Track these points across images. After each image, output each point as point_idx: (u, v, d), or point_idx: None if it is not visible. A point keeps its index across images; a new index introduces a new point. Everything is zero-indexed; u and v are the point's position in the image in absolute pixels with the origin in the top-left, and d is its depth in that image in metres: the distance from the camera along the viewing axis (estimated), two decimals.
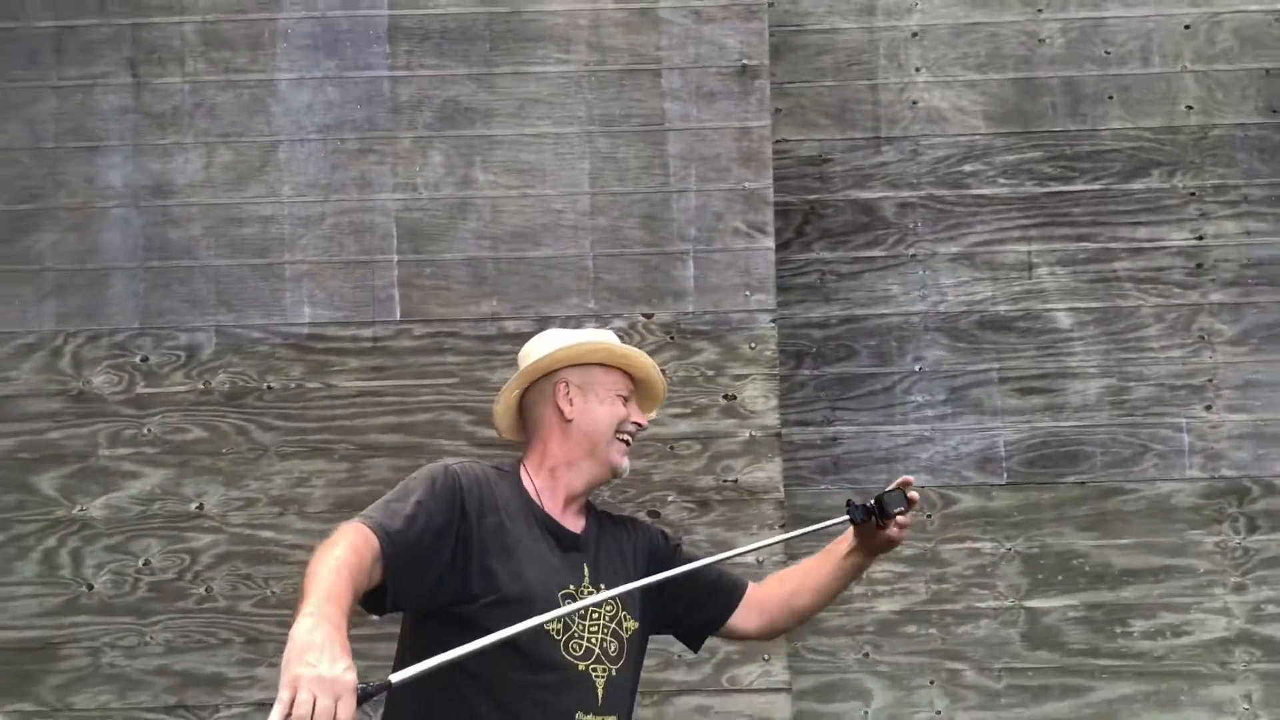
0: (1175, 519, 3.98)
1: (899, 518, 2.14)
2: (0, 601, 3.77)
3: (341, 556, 1.70)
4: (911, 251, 4.08)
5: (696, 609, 2.24)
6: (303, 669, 1.49)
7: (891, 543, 2.23)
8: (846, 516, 2.16)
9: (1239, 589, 3.95)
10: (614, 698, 2.01)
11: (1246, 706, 3.91)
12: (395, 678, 1.64)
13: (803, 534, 2.32)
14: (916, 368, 4.06)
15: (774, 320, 3.84)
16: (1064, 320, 4.05)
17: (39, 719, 3.73)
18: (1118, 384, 4.03)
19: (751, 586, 2.34)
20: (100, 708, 3.74)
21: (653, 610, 2.19)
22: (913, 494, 2.19)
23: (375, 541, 1.78)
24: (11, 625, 3.76)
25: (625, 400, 2.18)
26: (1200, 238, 4.07)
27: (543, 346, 2.17)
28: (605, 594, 1.95)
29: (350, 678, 1.51)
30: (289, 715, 1.47)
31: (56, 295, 3.85)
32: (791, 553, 3.52)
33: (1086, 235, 4.06)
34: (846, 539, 2.29)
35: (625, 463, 2.16)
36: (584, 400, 2.12)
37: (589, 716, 1.97)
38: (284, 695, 1.48)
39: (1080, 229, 4.06)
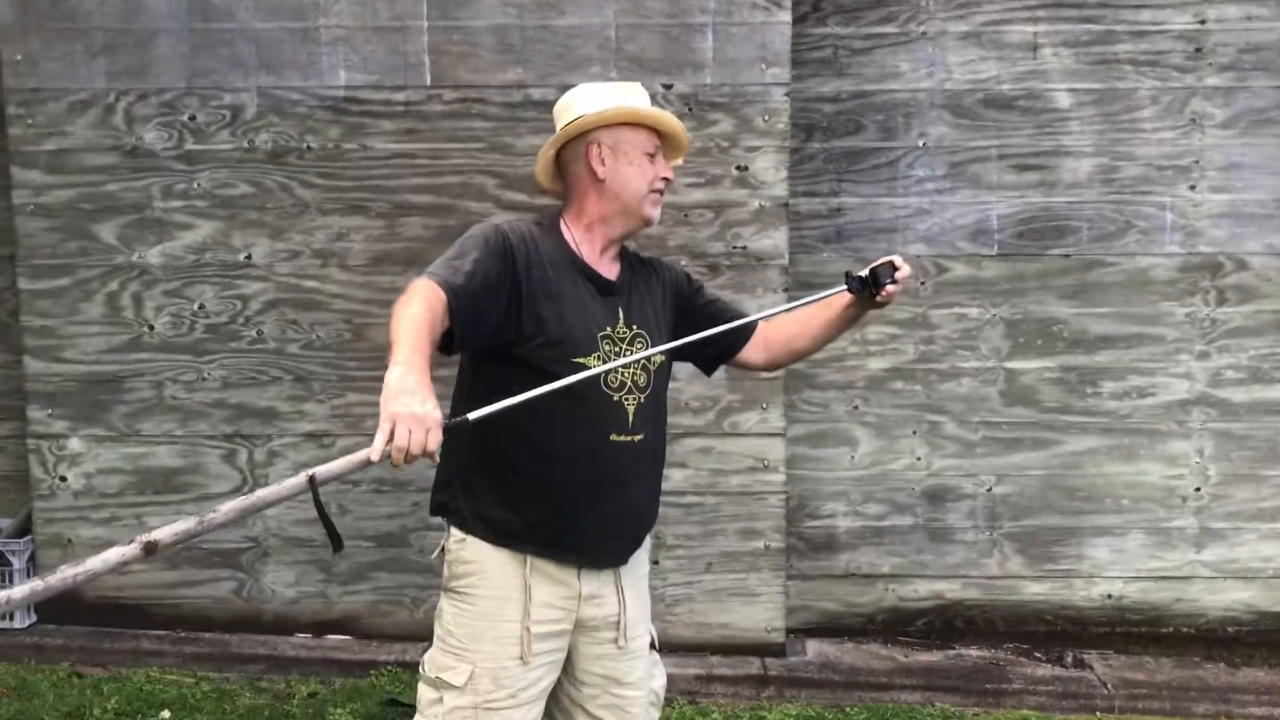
0: (1151, 291, 4.27)
1: (889, 286, 2.38)
2: (70, 339, 4.13)
3: (419, 312, 1.97)
4: (922, 29, 4.22)
5: (712, 343, 2.46)
6: (399, 407, 1.77)
7: (881, 307, 2.48)
8: (844, 286, 2.42)
9: (1203, 356, 4.28)
10: (642, 419, 2.30)
11: (1198, 460, 4.31)
12: (473, 415, 1.94)
13: (805, 303, 2.54)
14: (920, 143, 4.26)
15: (788, 94, 4.02)
16: (1063, 100, 4.23)
17: (111, 442, 4.16)
18: (1109, 163, 4.24)
19: (760, 326, 2.59)
20: (165, 434, 4.16)
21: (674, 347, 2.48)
22: (903, 270, 2.36)
23: (443, 296, 2.04)
24: (82, 360, 4.14)
25: (652, 156, 2.32)
26: (1202, 22, 4.19)
27: (574, 107, 2.32)
28: (658, 349, 2.24)
29: (437, 414, 1.81)
30: (389, 444, 1.77)
31: (106, 54, 4.04)
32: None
33: (1091, 17, 4.19)
34: (844, 298, 2.53)
35: (657, 213, 2.37)
36: (615, 161, 2.28)
37: (621, 435, 2.25)
38: (384, 428, 1.78)
39: (1086, 10, 4.18)
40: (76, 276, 4.12)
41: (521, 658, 2.20)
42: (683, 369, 2.76)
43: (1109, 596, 4.34)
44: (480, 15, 3.99)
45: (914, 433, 4.33)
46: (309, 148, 4.06)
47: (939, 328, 4.29)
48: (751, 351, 2.56)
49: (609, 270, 2.34)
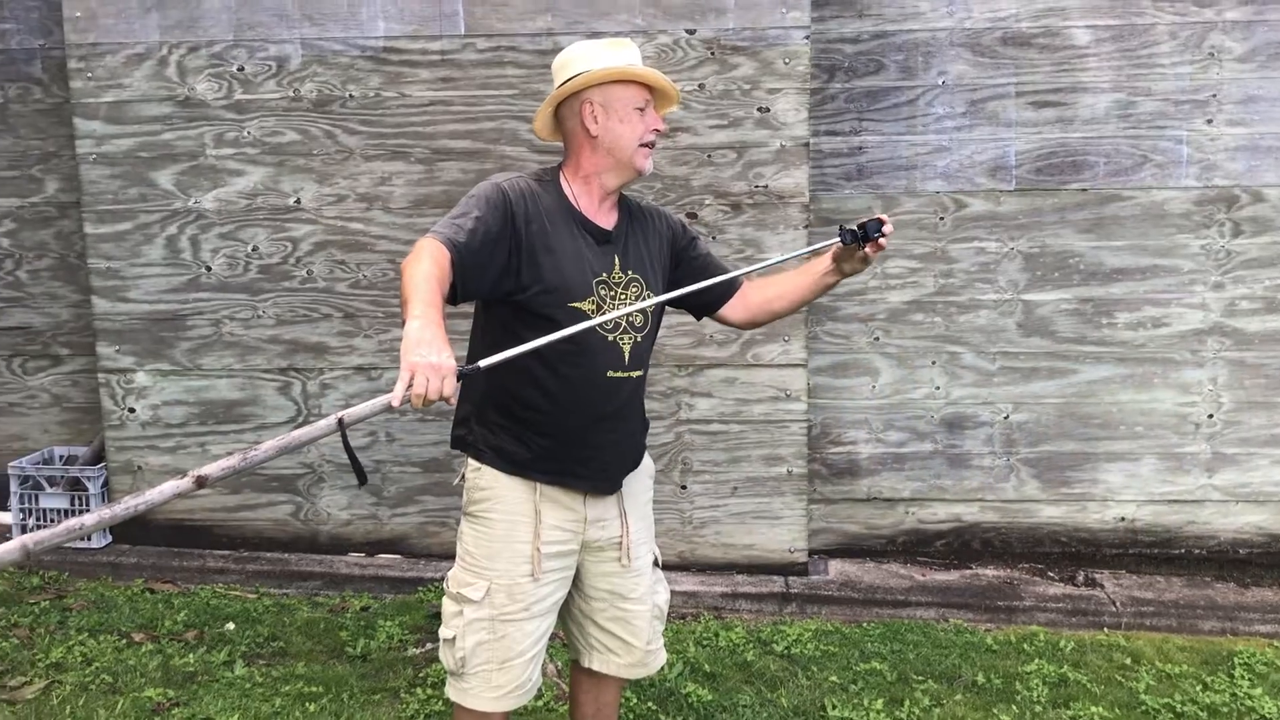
0: (1167, 224, 4.37)
1: (878, 239, 2.54)
2: (134, 280, 4.41)
3: (428, 268, 2.16)
4: None
5: (699, 294, 2.63)
6: (416, 358, 1.95)
7: (865, 262, 2.61)
8: (839, 239, 2.58)
9: (1218, 287, 4.38)
10: (637, 358, 2.51)
11: (1211, 388, 4.43)
12: (484, 363, 2.14)
13: (801, 254, 2.70)
14: (940, 81, 4.37)
15: (808, 37, 4.14)
16: (1082, 37, 4.30)
17: (175, 376, 4.45)
18: (1126, 98, 4.32)
19: (744, 285, 2.76)
20: (224, 369, 4.44)
21: (670, 289, 2.66)
22: (888, 226, 2.50)
23: (448, 253, 2.23)
24: (145, 299, 4.41)
25: (642, 111, 2.47)
26: None
27: (569, 65, 2.47)
28: (642, 304, 2.40)
29: (452, 363, 2.00)
30: (409, 390, 1.96)
31: (158, 9, 4.26)
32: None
33: None
34: (824, 260, 2.66)
35: (649, 165, 2.53)
36: (607, 118, 2.44)
37: (618, 373, 2.45)
38: (404, 376, 1.97)
39: None
40: (138, 221, 4.38)
41: (533, 575, 2.43)
42: None
43: (1122, 519, 4.51)
44: None
45: (933, 363, 4.49)
46: (351, 96, 4.26)
47: (958, 261, 4.43)
48: (732, 307, 2.73)
49: (606, 220, 2.51)
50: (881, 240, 2.49)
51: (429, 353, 1.98)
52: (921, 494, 4.55)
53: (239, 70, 4.27)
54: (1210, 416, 4.44)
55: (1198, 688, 3.59)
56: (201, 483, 1.93)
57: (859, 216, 2.55)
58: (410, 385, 1.96)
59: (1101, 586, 4.35)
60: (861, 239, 2.49)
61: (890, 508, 4.57)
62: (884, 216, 2.50)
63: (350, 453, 2.08)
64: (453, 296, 2.26)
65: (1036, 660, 3.77)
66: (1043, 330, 4.44)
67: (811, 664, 3.74)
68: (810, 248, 2.64)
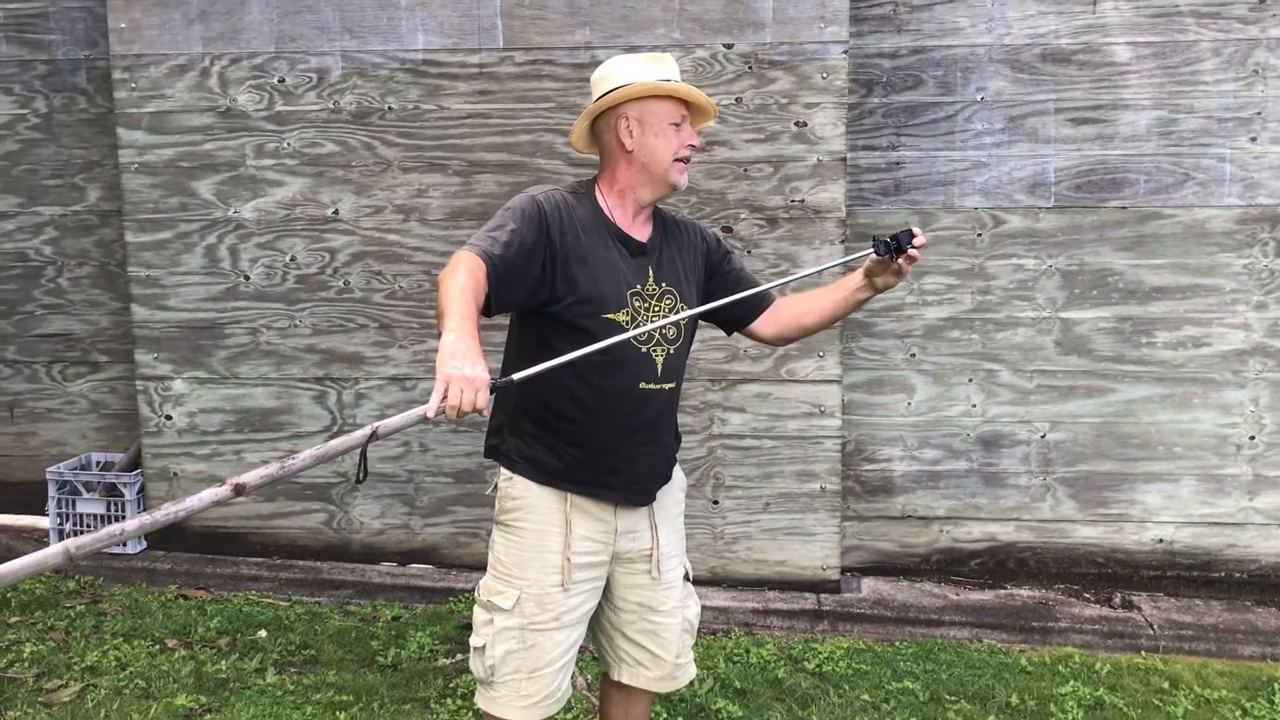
0: (1208, 242, 4.32)
1: (910, 251, 2.53)
2: (173, 288, 4.45)
3: (464, 281, 2.18)
4: None
5: (730, 309, 2.64)
6: (451, 370, 1.98)
7: (899, 275, 2.61)
8: (872, 250, 2.57)
9: (1260, 306, 4.32)
10: (670, 370, 2.51)
11: (1253, 409, 4.37)
12: (518, 376, 2.16)
13: (834, 265, 2.70)
14: (979, 97, 4.34)
15: (846, 51, 4.13)
16: (1122, 54, 4.27)
17: (212, 384, 4.49)
18: (1168, 115, 4.28)
19: (775, 302, 2.76)
20: (260, 377, 4.47)
21: (702, 302, 2.66)
22: (919, 238, 2.49)
23: (483, 265, 2.25)
24: (184, 308, 4.46)
25: (678, 126, 2.48)
26: None
27: (607, 79, 2.49)
28: (676, 317, 2.42)
29: (485, 375, 2.02)
30: (444, 402, 1.98)
31: (201, 21, 4.31)
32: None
33: None
34: (856, 279, 2.64)
35: (684, 180, 2.54)
36: (642, 133, 2.45)
37: (650, 385, 2.46)
38: (439, 388, 1.99)
39: None
40: (178, 230, 4.43)
41: (563, 585, 2.43)
42: None
43: (1160, 541, 4.45)
44: None
45: (970, 380, 4.45)
46: (390, 108, 4.29)
47: (995, 278, 4.40)
48: (763, 323, 2.73)
49: (640, 232, 2.52)
50: (913, 251, 2.48)
51: (463, 365, 2.00)
52: (956, 512, 4.51)
53: (280, 82, 4.31)
54: (1252, 438, 4.38)
55: (1237, 713, 3.54)
56: (240, 490, 1.95)
57: (894, 230, 2.53)
58: (444, 397, 1.98)
59: (1139, 609, 4.29)
60: (895, 250, 2.48)
61: (925, 526, 4.53)
62: (916, 229, 2.49)
63: (363, 454, 2.10)
64: (488, 308, 2.28)
65: (1071, 682, 3.72)
66: (1081, 349, 4.40)
67: (843, 682, 3.71)
68: (843, 259, 2.62)
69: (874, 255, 2.51)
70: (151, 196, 4.41)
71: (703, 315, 2.58)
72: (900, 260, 2.49)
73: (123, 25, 4.33)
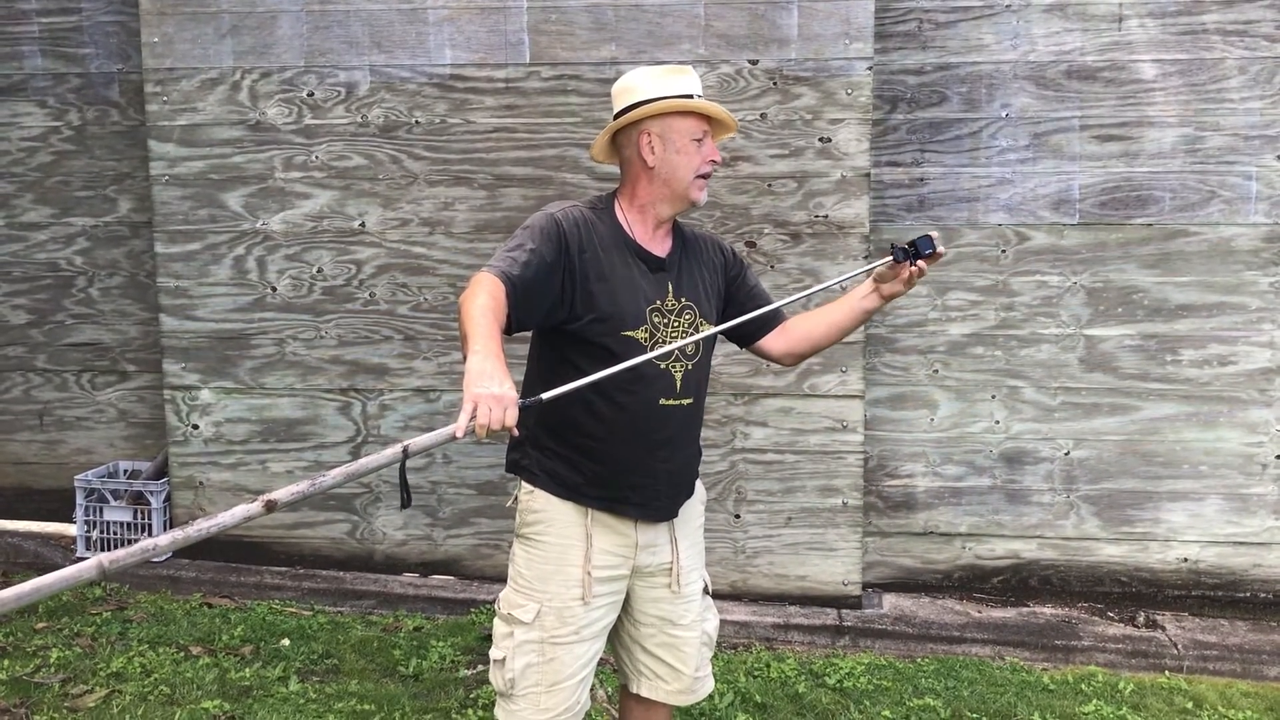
0: (1234, 260, 4.30)
1: (920, 262, 2.52)
2: (201, 299, 4.50)
3: (486, 302, 2.19)
4: (1007, 2, 4.29)
5: (743, 323, 2.62)
6: (480, 389, 2.00)
7: (908, 283, 2.60)
8: (891, 256, 2.57)
9: None
10: (689, 385, 2.52)
11: (1279, 428, 4.34)
12: (546, 395, 2.18)
13: (855, 275, 2.69)
14: (1003, 114, 4.35)
15: (870, 68, 4.15)
16: (1148, 71, 4.26)
17: (239, 394, 4.53)
18: (1194, 133, 4.27)
19: (788, 319, 2.75)
20: (286, 388, 4.51)
21: (720, 317, 2.67)
22: (940, 249, 2.50)
23: (503, 285, 2.26)
24: (211, 319, 4.50)
25: (700, 142, 2.48)
26: None
27: (629, 93, 2.49)
28: (689, 339, 2.42)
29: (513, 393, 2.04)
30: (472, 421, 2.00)
31: (232, 35, 4.37)
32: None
33: None
34: (864, 288, 2.64)
35: (703, 196, 2.55)
36: (664, 149, 2.45)
37: (670, 400, 2.47)
38: (467, 408, 2.01)
39: None
40: (207, 241, 4.48)
41: (583, 598, 2.44)
42: None
43: (1185, 560, 4.42)
44: None
45: (993, 397, 4.44)
46: (417, 122, 4.33)
47: (1019, 295, 4.39)
48: (772, 340, 2.72)
49: (660, 247, 2.53)
50: (921, 263, 2.48)
51: (491, 384, 2.02)
52: (979, 529, 4.50)
53: (309, 96, 4.36)
54: (1277, 457, 4.35)
55: None
56: (271, 507, 1.97)
57: (914, 237, 2.54)
58: (473, 416, 2.00)
59: (1163, 628, 4.26)
60: (914, 256, 2.48)
61: (947, 542, 4.52)
62: (935, 234, 2.49)
63: (403, 477, 2.12)
64: (509, 328, 2.29)
65: (1095, 701, 3.70)
66: (1105, 366, 4.39)
67: (864, 698, 3.70)
68: (863, 268, 2.62)
69: (893, 260, 2.51)
70: (181, 208, 4.46)
71: (728, 331, 2.59)
72: (920, 263, 2.49)
73: (155, 39, 4.40)
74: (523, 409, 2.08)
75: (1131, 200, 4.32)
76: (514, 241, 2.38)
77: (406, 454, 2.06)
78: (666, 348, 2.36)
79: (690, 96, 2.47)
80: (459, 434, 2.01)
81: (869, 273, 2.61)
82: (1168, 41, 4.25)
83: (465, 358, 2.09)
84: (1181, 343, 4.35)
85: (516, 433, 2.12)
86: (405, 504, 2.15)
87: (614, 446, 2.44)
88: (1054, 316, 4.39)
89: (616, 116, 2.51)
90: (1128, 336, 4.37)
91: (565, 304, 2.39)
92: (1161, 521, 4.41)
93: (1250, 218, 4.28)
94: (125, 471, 4.82)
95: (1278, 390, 4.33)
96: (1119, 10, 4.24)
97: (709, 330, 2.51)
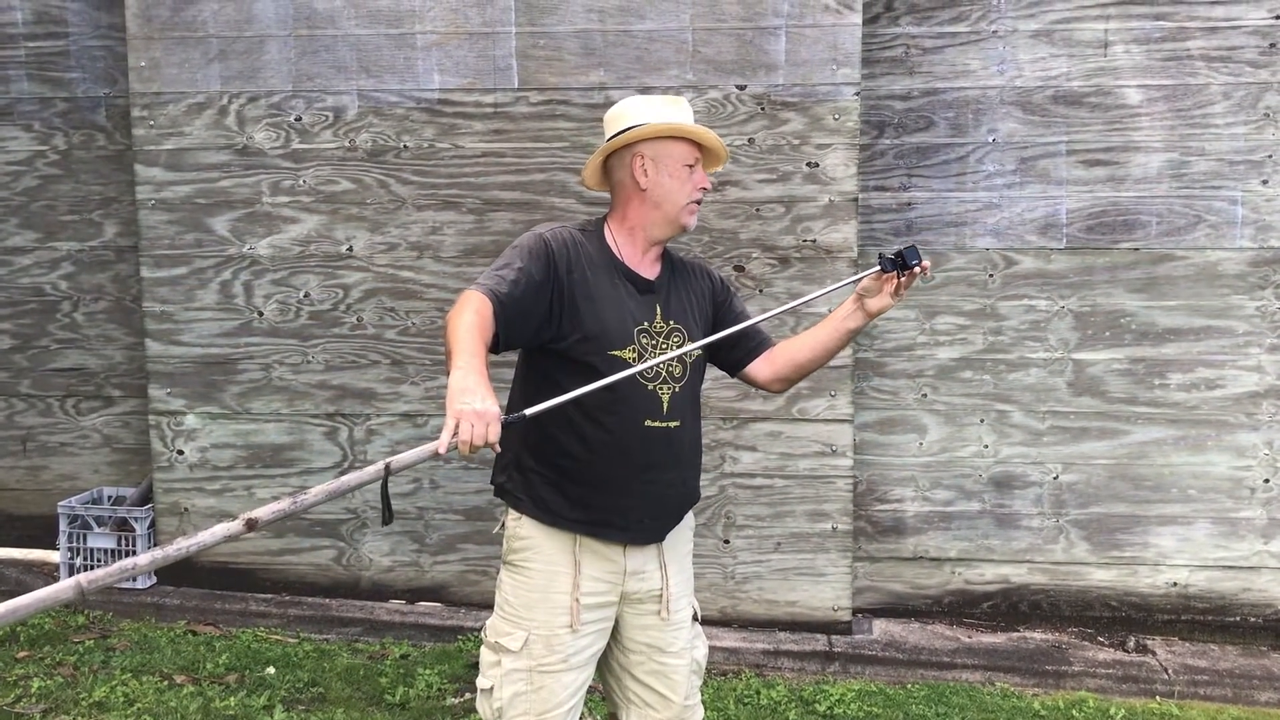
0: (1221, 284, 4.32)
1: (915, 268, 2.52)
2: (187, 324, 4.47)
3: (470, 319, 2.20)
4: (994, 28, 4.32)
5: (729, 349, 2.67)
6: (462, 405, 2.00)
7: (893, 296, 2.57)
8: (878, 266, 2.56)
9: (1273, 349, 4.31)
10: (676, 408, 2.50)
11: (1266, 452, 4.34)
12: (530, 411, 2.17)
13: (842, 286, 2.65)
14: (990, 139, 4.36)
15: (857, 93, 4.16)
16: (1134, 96, 4.29)
17: (224, 419, 4.50)
18: (1179, 158, 4.29)
19: (774, 346, 2.73)
20: (272, 413, 4.48)
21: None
22: (926, 263, 2.50)
23: (490, 303, 2.27)
24: (197, 343, 4.48)
25: (692, 168, 2.50)
26: (1277, 17, 4.21)
27: (622, 118, 2.51)
28: (680, 350, 2.42)
29: (496, 409, 2.04)
30: (455, 437, 2.00)
31: (220, 60, 4.36)
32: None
33: (1164, 14, 4.24)
34: (847, 308, 2.62)
35: (693, 221, 2.56)
36: (657, 173, 2.47)
37: (656, 422, 2.45)
38: (450, 424, 2.01)
39: (1158, 8, 4.24)
40: (193, 266, 4.45)
41: (571, 626, 2.41)
42: None
43: (1174, 584, 4.41)
44: (565, 21, 4.20)
45: (982, 421, 4.44)
46: (405, 147, 4.32)
47: (1007, 319, 4.40)
48: (759, 366, 2.71)
49: (649, 270, 2.54)
50: (917, 268, 2.47)
51: (473, 400, 2.01)
52: (969, 554, 4.48)
53: (296, 120, 4.35)
54: (1266, 481, 4.35)
55: None
56: (252, 525, 1.95)
57: (898, 247, 2.53)
58: (456, 432, 1.98)
59: (1153, 653, 4.25)
60: (901, 266, 2.47)
61: (936, 567, 4.51)
62: (918, 247, 2.49)
63: (385, 494, 2.11)
64: (495, 346, 2.29)
65: None
66: (1093, 390, 4.39)
67: None
68: (849, 279, 2.61)
69: (880, 271, 2.50)
70: (168, 233, 4.44)
71: (702, 350, 2.58)
72: (901, 278, 2.48)
73: (142, 64, 4.39)
74: (506, 425, 2.07)
75: (1118, 225, 4.33)
76: (502, 260, 2.38)
77: (389, 471, 2.05)
78: (649, 362, 2.35)
79: (685, 124, 2.49)
80: (441, 450, 2.01)
81: (855, 284, 2.60)
82: (1153, 67, 4.27)
83: (449, 374, 2.08)
84: (1169, 367, 4.36)
85: (499, 449, 2.10)
86: (387, 521, 2.14)
87: (598, 468, 2.43)
88: (1042, 340, 4.39)
89: (609, 140, 2.51)
90: (1115, 360, 4.38)
91: (553, 323, 2.38)
92: (1150, 546, 4.41)
93: (1236, 242, 4.29)
94: (109, 498, 4.77)
95: (1265, 414, 4.34)
96: (1105, 36, 4.27)
97: (691, 345, 2.49)
